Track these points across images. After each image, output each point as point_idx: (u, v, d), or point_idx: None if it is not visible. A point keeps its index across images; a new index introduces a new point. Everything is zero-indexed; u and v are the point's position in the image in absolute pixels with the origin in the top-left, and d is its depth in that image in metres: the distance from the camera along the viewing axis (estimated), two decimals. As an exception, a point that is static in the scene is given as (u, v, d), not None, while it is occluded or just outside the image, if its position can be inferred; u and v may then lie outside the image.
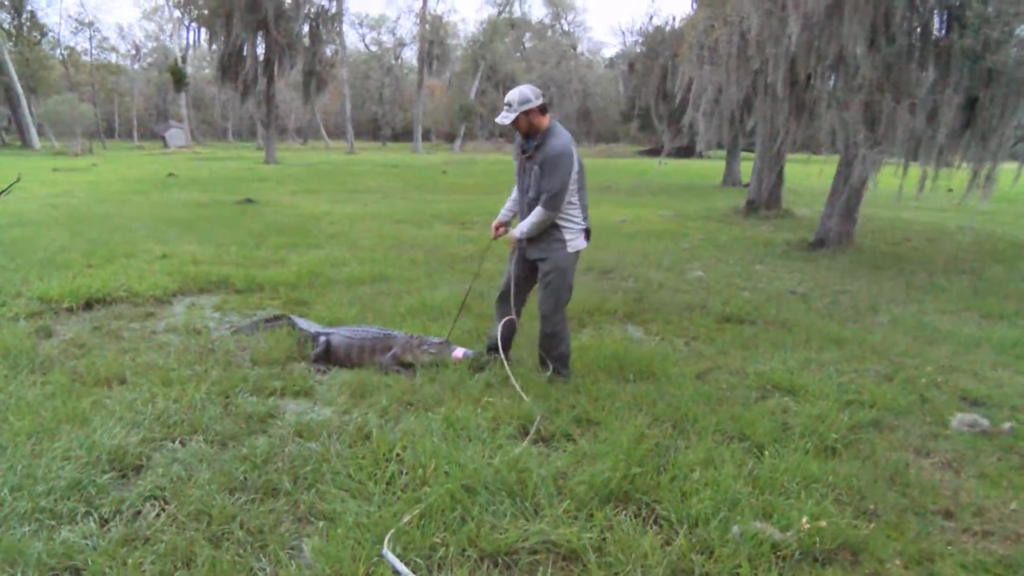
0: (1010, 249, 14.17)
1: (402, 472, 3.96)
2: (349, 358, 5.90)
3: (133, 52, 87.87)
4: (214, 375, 5.38)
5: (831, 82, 13.02)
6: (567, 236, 5.32)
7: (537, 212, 5.20)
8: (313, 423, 4.64)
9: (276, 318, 6.95)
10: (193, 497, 3.62)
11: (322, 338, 6.02)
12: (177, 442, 4.31)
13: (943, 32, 11.52)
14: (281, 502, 3.68)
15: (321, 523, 3.49)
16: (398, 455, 4.14)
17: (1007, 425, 5.03)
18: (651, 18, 53.01)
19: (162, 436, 4.36)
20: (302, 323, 6.54)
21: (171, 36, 74.34)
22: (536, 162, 5.18)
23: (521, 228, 5.33)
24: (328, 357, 5.94)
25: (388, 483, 3.84)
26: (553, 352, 5.60)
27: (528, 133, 5.25)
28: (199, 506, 3.55)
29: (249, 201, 18.26)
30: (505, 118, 5.14)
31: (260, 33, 39.14)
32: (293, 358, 6.00)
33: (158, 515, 3.52)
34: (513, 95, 5.14)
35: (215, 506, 3.54)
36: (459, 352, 5.72)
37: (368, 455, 4.16)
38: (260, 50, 39.91)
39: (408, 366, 5.78)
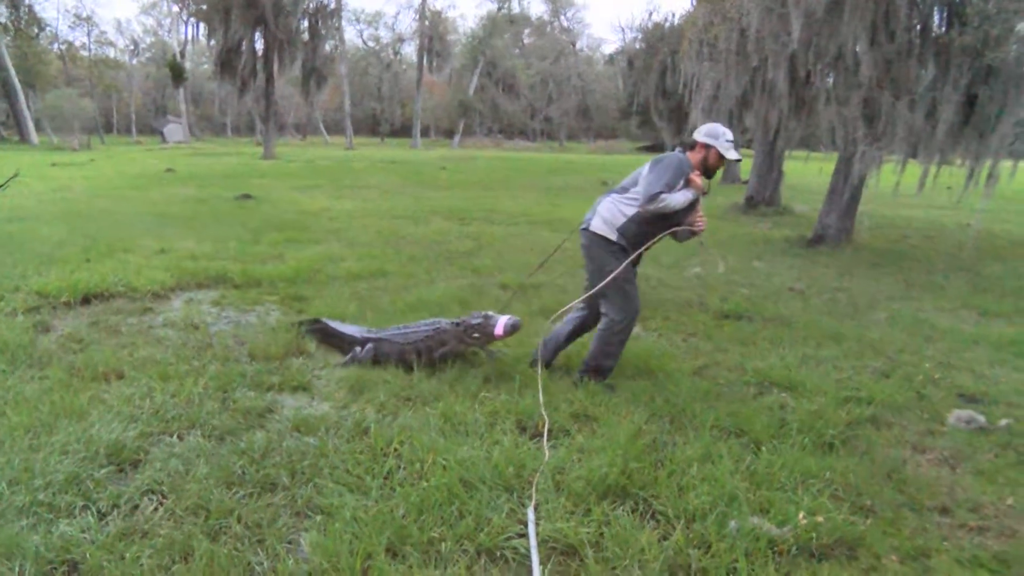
0: (1008, 247, 14.18)
1: (400, 467, 3.96)
2: (404, 362, 5.65)
3: (131, 47, 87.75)
4: (212, 370, 5.38)
5: (830, 79, 13.03)
6: None
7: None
8: (311, 418, 4.63)
9: (312, 322, 6.56)
10: (191, 491, 3.62)
11: (369, 345, 5.78)
12: (175, 436, 4.30)
13: (943, 29, 11.53)
14: (279, 496, 3.69)
15: (319, 517, 3.49)
16: (396, 450, 4.15)
17: (1003, 422, 5.05)
18: (650, 14, 52.84)
19: (160, 430, 4.36)
20: (342, 327, 6.21)
21: (169, 31, 74.36)
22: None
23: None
24: (376, 361, 5.72)
25: (386, 478, 3.85)
26: None
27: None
28: (197, 500, 3.55)
29: (247, 197, 18.21)
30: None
31: (259, 28, 39.09)
32: (291, 353, 5.99)
33: (156, 509, 3.52)
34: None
35: (213, 500, 3.55)
36: (500, 327, 5.49)
37: (366, 450, 4.17)
38: (259, 45, 39.88)
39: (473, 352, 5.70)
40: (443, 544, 3.27)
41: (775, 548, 3.34)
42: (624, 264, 5.16)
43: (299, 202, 17.79)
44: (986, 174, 11.13)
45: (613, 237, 5.26)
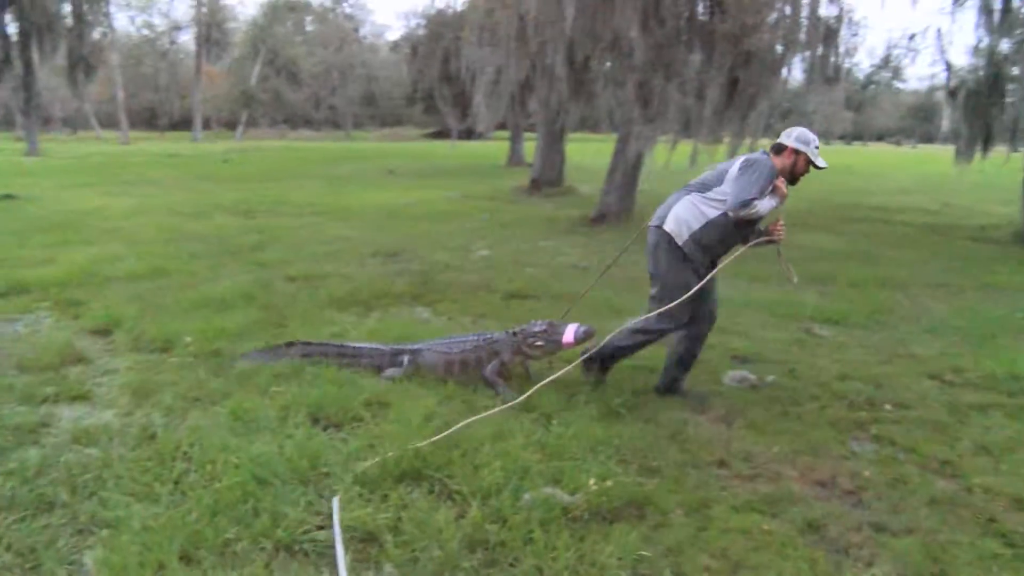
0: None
1: (191, 470, 3.82)
2: (450, 375, 5.20)
3: None
4: (-27, 387, 4.95)
5: (608, 63, 13.60)
6: None
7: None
8: (92, 428, 4.36)
9: (289, 345, 5.64)
10: (-51, 524, 3.31)
11: (405, 358, 5.30)
12: (-72, 466, 3.92)
13: (708, 17, 12.31)
14: (57, 516, 3.43)
15: (104, 532, 3.29)
16: (185, 453, 3.99)
17: (770, 378, 5.57)
18: (433, 1, 53.01)
19: (-91, 460, 3.95)
20: (354, 344, 5.60)
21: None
22: None
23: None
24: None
25: (176, 483, 3.69)
26: None
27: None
28: (-43, 533, 3.25)
29: (9, 197, 16.84)
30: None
31: (11, 10, 35.92)
32: (68, 361, 5.59)
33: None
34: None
35: (-24, 530, 3.26)
36: (570, 335, 5.08)
37: (154, 456, 3.97)
38: (13, 30, 36.66)
39: (506, 376, 5.23)
40: (239, 544, 3.19)
41: (569, 515, 3.48)
42: (702, 283, 4.90)
43: (70, 201, 16.64)
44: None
45: (680, 242, 4.94)
